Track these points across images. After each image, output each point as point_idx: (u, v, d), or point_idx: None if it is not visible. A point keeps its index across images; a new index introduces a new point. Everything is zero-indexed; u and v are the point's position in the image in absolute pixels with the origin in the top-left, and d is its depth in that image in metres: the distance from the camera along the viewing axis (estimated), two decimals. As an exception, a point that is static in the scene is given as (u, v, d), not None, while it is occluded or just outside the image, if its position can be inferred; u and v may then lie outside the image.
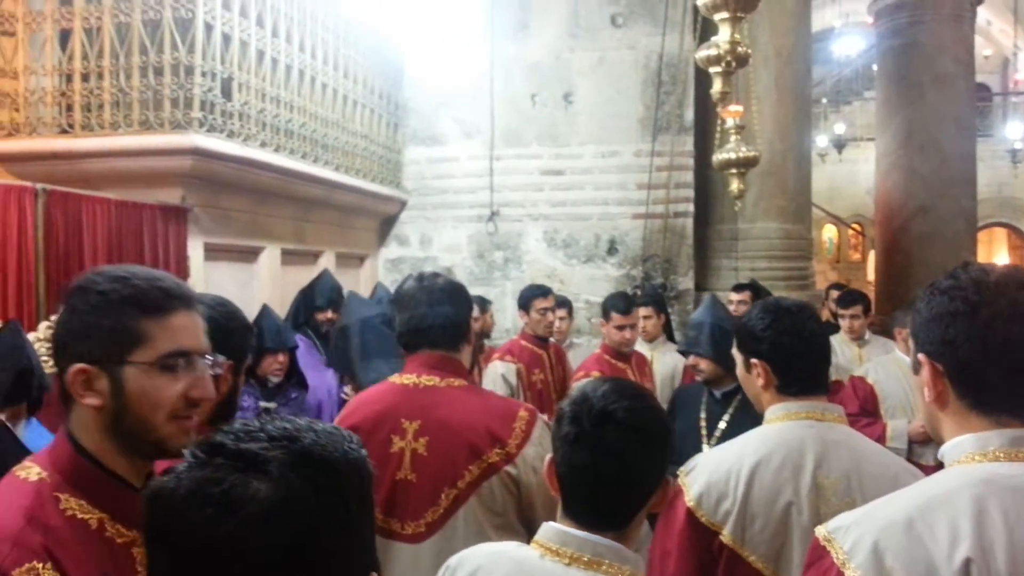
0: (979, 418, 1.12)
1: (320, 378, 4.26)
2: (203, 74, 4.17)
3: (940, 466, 1.18)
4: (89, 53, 4.24)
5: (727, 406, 3.20)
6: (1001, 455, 1.09)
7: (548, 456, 1.39)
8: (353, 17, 5.76)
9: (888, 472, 1.72)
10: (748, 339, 1.90)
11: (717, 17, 3.23)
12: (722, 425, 3.15)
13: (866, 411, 4.14)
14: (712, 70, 3.49)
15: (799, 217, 6.87)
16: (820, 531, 1.14)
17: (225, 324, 1.64)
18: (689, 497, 1.76)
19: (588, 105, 6.43)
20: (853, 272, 19.86)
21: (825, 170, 18.25)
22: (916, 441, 3.96)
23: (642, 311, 4.67)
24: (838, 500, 1.67)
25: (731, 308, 4.97)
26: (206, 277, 4.43)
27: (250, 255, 5.03)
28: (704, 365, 3.26)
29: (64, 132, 4.28)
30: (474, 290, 4.01)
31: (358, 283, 6.30)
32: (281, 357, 3.70)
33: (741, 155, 4.64)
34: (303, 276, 5.10)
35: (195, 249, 4.41)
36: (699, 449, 2.98)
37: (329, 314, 4.57)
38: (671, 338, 5.29)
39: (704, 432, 3.20)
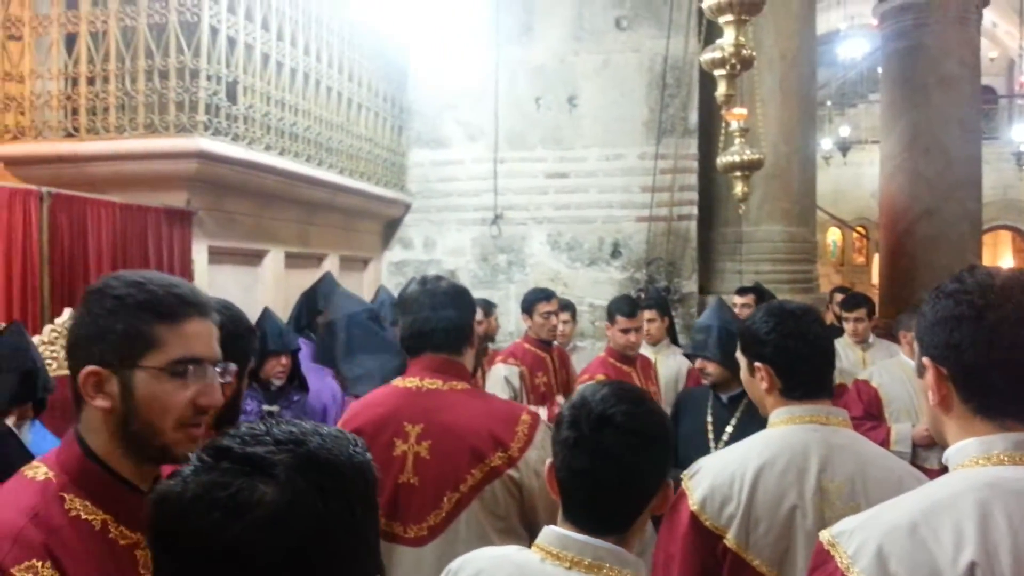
0: (983, 422, 1.12)
1: (323, 381, 4.26)
2: (208, 78, 4.18)
3: (944, 470, 1.18)
4: (95, 57, 4.25)
5: (734, 410, 3.19)
6: (1005, 459, 1.09)
7: (548, 460, 1.40)
8: (357, 20, 5.77)
9: (892, 476, 1.71)
10: (752, 342, 1.90)
11: (721, 20, 3.23)
12: (729, 429, 3.14)
13: (870, 415, 4.12)
14: (716, 73, 3.49)
15: (803, 220, 6.86)
16: (824, 535, 1.14)
17: (229, 327, 1.64)
18: (693, 501, 1.75)
19: (592, 108, 6.43)
20: (857, 275, 19.80)
21: (830, 173, 18.22)
22: (920, 445, 3.95)
23: (646, 314, 4.66)
24: (842, 504, 1.67)
25: (735, 311, 4.96)
26: (210, 280, 4.44)
27: (254, 258, 5.04)
28: (711, 369, 3.25)
29: (69, 136, 4.29)
30: (478, 293, 4.01)
31: (361, 286, 6.31)
32: (284, 360, 3.70)
33: (745, 158, 4.64)
34: (307, 279, 5.10)
35: (199, 252, 4.42)
36: (706, 453, 2.97)
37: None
38: (675, 341, 5.28)
39: (711, 436, 3.20)
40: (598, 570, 1.27)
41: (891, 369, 4.26)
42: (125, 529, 1.19)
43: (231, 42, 4.38)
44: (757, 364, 1.87)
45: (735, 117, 4.71)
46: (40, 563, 1.08)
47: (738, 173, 4.74)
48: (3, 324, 3.07)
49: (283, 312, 4.60)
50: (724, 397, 3.25)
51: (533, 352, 4.54)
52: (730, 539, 1.71)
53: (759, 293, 5.34)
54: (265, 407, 3.58)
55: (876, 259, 15.14)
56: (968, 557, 1.01)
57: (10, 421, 2.63)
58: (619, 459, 1.29)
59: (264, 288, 5.03)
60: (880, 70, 9.96)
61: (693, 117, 6.31)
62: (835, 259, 20.65)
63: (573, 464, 1.32)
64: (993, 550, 1.02)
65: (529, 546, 1.38)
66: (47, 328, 3.29)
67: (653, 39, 6.33)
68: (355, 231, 6.35)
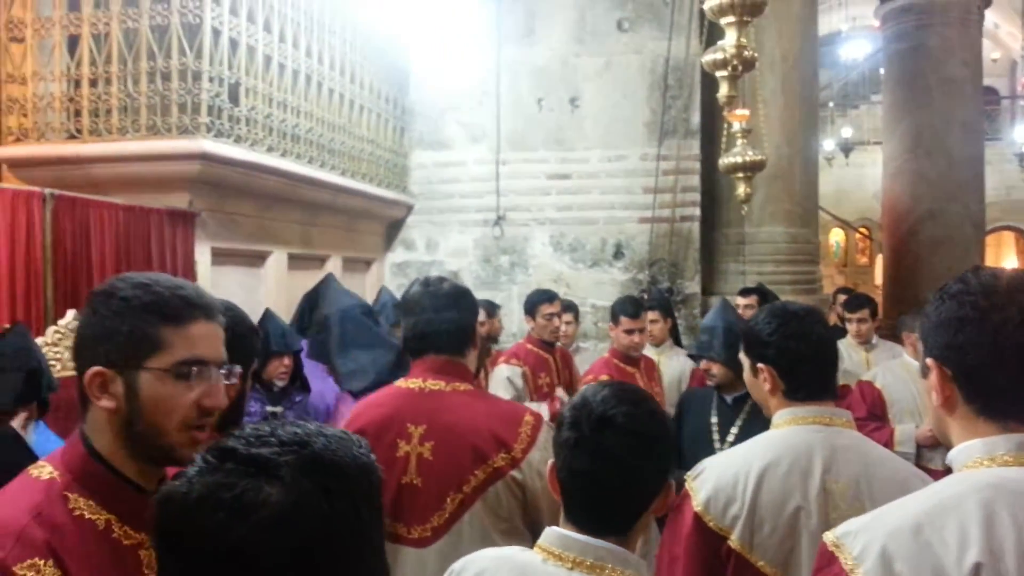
0: (987, 423, 1.12)
1: (326, 382, 4.26)
2: (210, 79, 4.18)
3: (949, 471, 1.18)
4: (97, 59, 4.26)
5: (739, 411, 3.17)
6: (1009, 460, 1.09)
7: (550, 461, 1.40)
8: (359, 22, 5.78)
9: (897, 477, 1.71)
10: (755, 344, 1.90)
11: (723, 21, 3.23)
12: (734, 430, 3.13)
13: (874, 415, 4.12)
14: (718, 74, 3.49)
15: (806, 221, 6.86)
16: (829, 536, 1.13)
17: (233, 328, 1.65)
18: (697, 502, 1.75)
19: (594, 109, 6.43)
20: (860, 276, 19.80)
21: (832, 174, 18.22)
22: (924, 445, 3.94)
23: (649, 315, 4.66)
24: (847, 505, 1.67)
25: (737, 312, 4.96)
26: (213, 281, 4.44)
27: (257, 259, 5.04)
28: (716, 370, 3.23)
29: (72, 137, 4.30)
30: (480, 294, 4.01)
31: (364, 287, 6.31)
32: (287, 360, 3.70)
33: (748, 159, 4.64)
34: (310, 280, 5.11)
35: (202, 254, 4.42)
36: (711, 454, 2.96)
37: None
38: (678, 342, 5.28)
39: (716, 437, 3.19)
40: (600, 571, 1.27)
41: (895, 370, 4.26)
42: (129, 529, 1.19)
43: (233, 44, 4.38)
44: (760, 365, 1.86)
45: (737, 118, 4.71)
46: (42, 561, 1.08)
47: (740, 174, 4.74)
48: (7, 326, 3.08)
49: (285, 313, 4.61)
50: (729, 398, 3.23)
51: (536, 353, 4.54)
52: (734, 540, 1.70)
53: (762, 294, 5.34)
54: (269, 408, 3.58)
55: (879, 260, 15.14)
56: (973, 558, 1.01)
57: (17, 424, 2.63)
58: (620, 460, 1.29)
59: (267, 289, 5.03)
60: (882, 71, 9.95)
61: (695, 118, 6.31)
62: (838, 260, 20.66)
63: (574, 465, 1.32)
64: (998, 551, 1.01)
65: (532, 547, 1.38)
66: (50, 330, 3.30)
67: (655, 40, 6.33)
68: (357, 232, 6.36)
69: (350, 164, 5.72)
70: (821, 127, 11.77)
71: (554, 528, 1.35)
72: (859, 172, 18.93)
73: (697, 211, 6.36)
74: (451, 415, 2.05)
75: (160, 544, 0.82)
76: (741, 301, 5.33)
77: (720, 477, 1.75)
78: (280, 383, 3.69)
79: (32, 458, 2.30)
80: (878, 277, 15.20)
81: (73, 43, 4.36)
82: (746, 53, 3.32)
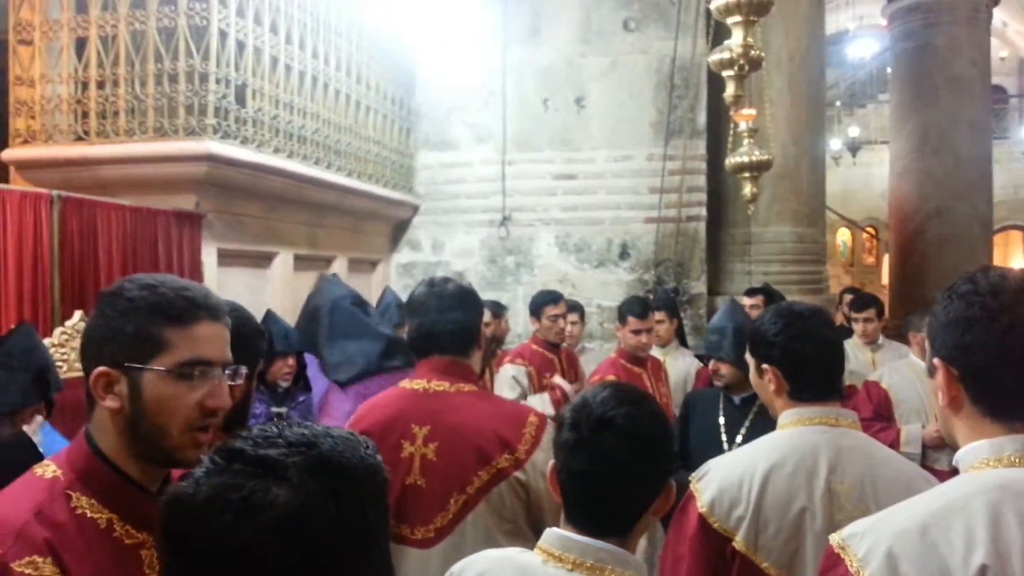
0: (993, 424, 1.12)
1: (318, 375, 4.25)
2: (217, 81, 4.20)
3: (955, 471, 1.17)
4: (105, 61, 4.27)
5: (747, 412, 3.16)
6: (1016, 460, 1.09)
7: (551, 462, 1.40)
8: (366, 24, 5.78)
9: (903, 478, 1.71)
10: (760, 344, 1.89)
11: (730, 21, 3.22)
12: (743, 431, 3.13)
13: (880, 416, 4.11)
14: (725, 74, 3.49)
15: (813, 221, 6.84)
16: (834, 538, 1.13)
17: (239, 329, 1.65)
18: (701, 503, 1.75)
19: (600, 109, 6.43)
20: (867, 276, 19.75)
21: (839, 173, 18.17)
22: (930, 446, 3.93)
23: (655, 315, 4.65)
24: (852, 506, 1.66)
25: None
26: (220, 283, 4.46)
27: (263, 260, 5.05)
28: (725, 370, 3.22)
29: (80, 139, 4.32)
30: (486, 295, 4.01)
31: (370, 288, 6.32)
32: (291, 361, 3.71)
33: (754, 159, 4.63)
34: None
35: (209, 255, 4.43)
36: (719, 454, 2.96)
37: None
38: (683, 343, 5.27)
39: (724, 438, 3.18)
40: (600, 572, 1.28)
41: (901, 370, 4.25)
42: (131, 528, 1.20)
43: (240, 46, 4.40)
44: (765, 366, 1.86)
45: (744, 118, 4.71)
46: (41, 559, 1.09)
47: (747, 174, 4.73)
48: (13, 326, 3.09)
49: (292, 314, 4.62)
50: (737, 399, 3.22)
51: (541, 353, 4.54)
52: (739, 541, 1.70)
53: (768, 294, 5.32)
54: (273, 409, 3.59)
55: (886, 260, 15.10)
56: (979, 559, 1.01)
57: (31, 428, 2.64)
58: (619, 461, 1.29)
59: (273, 290, 5.04)
60: (889, 70, 9.90)
61: (701, 118, 6.30)
62: (845, 260, 20.60)
63: (573, 466, 1.32)
64: (1005, 552, 1.01)
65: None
66: (57, 331, 3.31)
67: (661, 40, 6.32)
68: (363, 233, 6.36)
69: (356, 165, 5.73)
70: (828, 126, 11.72)
71: (554, 529, 1.35)
72: (866, 171, 18.87)
73: (703, 211, 6.35)
74: (455, 416, 2.05)
75: (167, 545, 0.83)
76: (747, 301, 5.31)
77: (725, 478, 1.75)
78: (284, 384, 3.70)
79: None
80: (885, 277, 15.17)
81: (81, 45, 4.37)
82: (753, 52, 3.32)
